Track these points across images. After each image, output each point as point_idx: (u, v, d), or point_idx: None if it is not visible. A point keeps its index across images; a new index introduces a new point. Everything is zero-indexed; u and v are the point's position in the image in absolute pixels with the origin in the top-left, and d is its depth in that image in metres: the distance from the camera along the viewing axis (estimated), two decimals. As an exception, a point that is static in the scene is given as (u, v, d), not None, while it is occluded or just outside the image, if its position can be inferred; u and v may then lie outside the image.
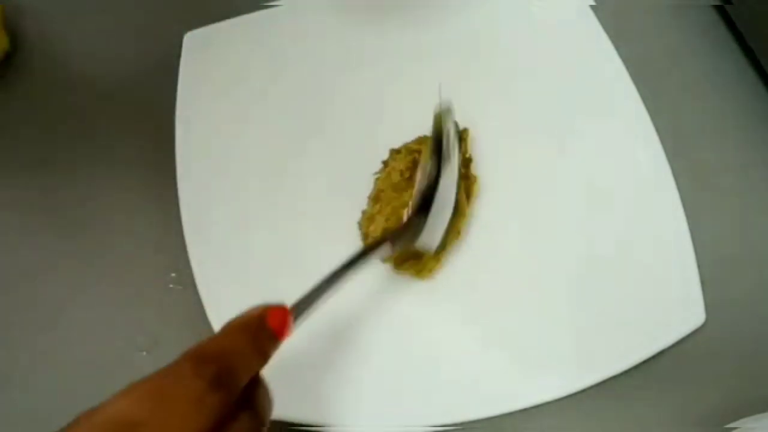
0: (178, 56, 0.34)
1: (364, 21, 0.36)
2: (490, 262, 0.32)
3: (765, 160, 0.35)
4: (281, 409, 0.28)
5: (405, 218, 0.32)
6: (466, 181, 0.33)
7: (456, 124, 0.34)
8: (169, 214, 0.32)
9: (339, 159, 0.34)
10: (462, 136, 0.34)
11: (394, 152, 0.34)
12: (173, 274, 0.32)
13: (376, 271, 0.32)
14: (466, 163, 0.34)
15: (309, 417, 0.28)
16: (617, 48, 0.34)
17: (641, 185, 0.32)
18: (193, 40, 0.34)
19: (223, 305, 0.30)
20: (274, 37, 0.35)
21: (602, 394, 0.29)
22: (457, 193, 0.32)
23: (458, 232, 0.32)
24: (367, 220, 0.32)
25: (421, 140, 0.34)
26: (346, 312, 0.31)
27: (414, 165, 0.33)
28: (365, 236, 0.32)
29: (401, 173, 0.33)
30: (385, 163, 0.34)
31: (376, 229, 0.32)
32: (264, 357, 0.21)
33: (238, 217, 0.32)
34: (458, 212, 0.32)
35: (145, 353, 0.31)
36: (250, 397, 0.21)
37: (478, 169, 0.34)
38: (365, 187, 0.34)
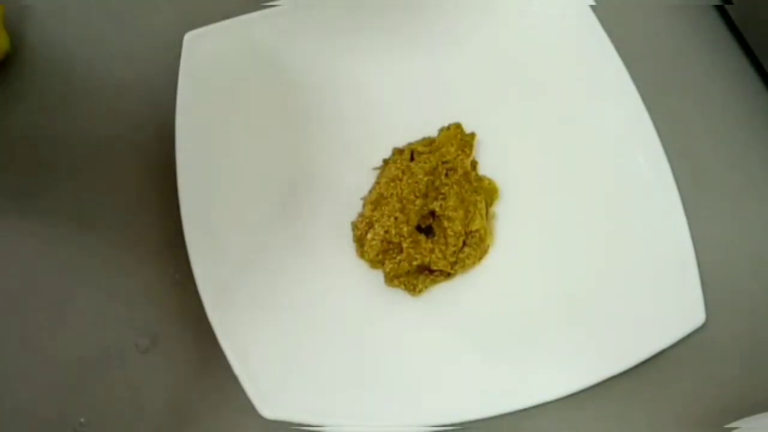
0: (178, 56, 0.34)
1: (365, 21, 0.36)
2: (488, 264, 0.32)
3: (765, 159, 0.35)
4: (281, 409, 0.28)
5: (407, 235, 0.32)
6: (477, 195, 0.33)
7: (462, 130, 0.34)
8: (170, 214, 0.32)
9: (340, 158, 0.34)
10: (469, 141, 0.34)
11: (398, 152, 0.34)
12: (173, 274, 0.32)
13: (375, 273, 0.32)
14: (472, 165, 0.34)
15: (309, 417, 0.28)
16: (617, 48, 0.34)
17: (641, 185, 0.32)
18: (193, 40, 0.34)
19: (223, 305, 0.30)
20: (274, 37, 0.35)
21: (602, 394, 0.29)
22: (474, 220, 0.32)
23: (480, 257, 0.32)
24: (363, 224, 0.32)
25: (426, 142, 0.34)
26: (346, 313, 0.31)
27: (432, 173, 0.33)
28: (358, 240, 0.32)
29: (408, 181, 0.33)
30: (386, 162, 0.34)
31: (374, 238, 0.32)
32: None
33: (238, 217, 0.32)
34: (478, 238, 0.32)
35: (145, 353, 0.31)
36: None
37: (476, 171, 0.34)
38: (365, 186, 0.34)
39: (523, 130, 0.35)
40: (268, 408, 0.28)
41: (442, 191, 0.32)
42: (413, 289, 0.31)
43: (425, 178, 0.32)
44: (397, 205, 0.32)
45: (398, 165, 0.33)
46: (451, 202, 0.32)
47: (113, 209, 0.34)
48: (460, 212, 0.32)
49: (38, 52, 0.37)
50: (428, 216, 0.33)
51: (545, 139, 0.34)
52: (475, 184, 0.33)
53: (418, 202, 0.32)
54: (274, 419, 0.28)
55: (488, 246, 0.32)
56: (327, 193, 0.34)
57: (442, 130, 0.35)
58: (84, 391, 0.30)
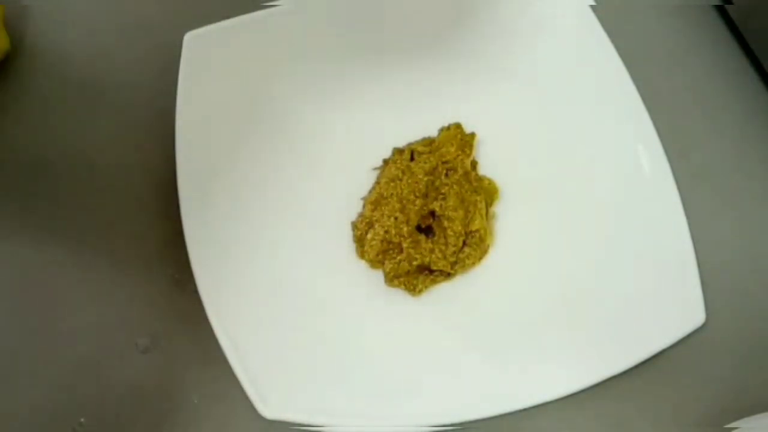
0: (178, 56, 0.34)
1: (365, 21, 0.36)
2: (488, 264, 0.32)
3: (765, 159, 0.35)
4: (281, 409, 0.28)
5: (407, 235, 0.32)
6: (477, 195, 0.33)
7: (462, 130, 0.34)
8: (170, 214, 0.32)
9: (340, 158, 0.34)
10: (469, 141, 0.34)
11: (398, 152, 0.34)
12: (173, 274, 0.32)
13: (375, 273, 0.32)
14: (472, 165, 0.34)
15: (309, 417, 0.28)
16: (617, 48, 0.34)
17: (641, 185, 0.32)
18: (193, 40, 0.34)
19: (223, 305, 0.30)
20: (274, 37, 0.35)
21: (602, 394, 0.29)
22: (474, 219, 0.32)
23: (480, 257, 0.32)
24: (363, 224, 0.32)
25: (426, 142, 0.34)
26: (346, 313, 0.31)
27: (432, 173, 0.33)
28: (358, 240, 0.32)
29: (408, 181, 0.33)
30: (386, 162, 0.34)
31: (374, 238, 0.32)
32: None
33: (238, 217, 0.32)
34: (478, 238, 0.32)
35: (145, 353, 0.31)
36: None
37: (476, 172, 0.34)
38: (365, 185, 0.34)
39: (523, 130, 0.35)
40: (268, 408, 0.28)
41: (442, 191, 0.32)
42: (413, 289, 0.31)
43: (425, 178, 0.32)
44: (397, 205, 0.32)
45: (398, 165, 0.33)
46: (451, 202, 0.32)
47: (113, 209, 0.34)
48: (460, 212, 0.32)
49: (38, 52, 0.37)
50: (428, 216, 0.33)
51: (545, 139, 0.34)
52: (475, 184, 0.33)
53: (418, 202, 0.32)
54: (274, 419, 0.28)
55: (488, 246, 0.32)
56: (327, 193, 0.34)
57: (442, 130, 0.35)
58: (84, 391, 0.30)
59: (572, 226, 0.32)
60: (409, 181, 0.32)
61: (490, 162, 0.35)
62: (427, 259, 0.31)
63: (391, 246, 0.32)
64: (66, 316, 0.32)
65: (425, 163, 0.33)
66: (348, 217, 0.33)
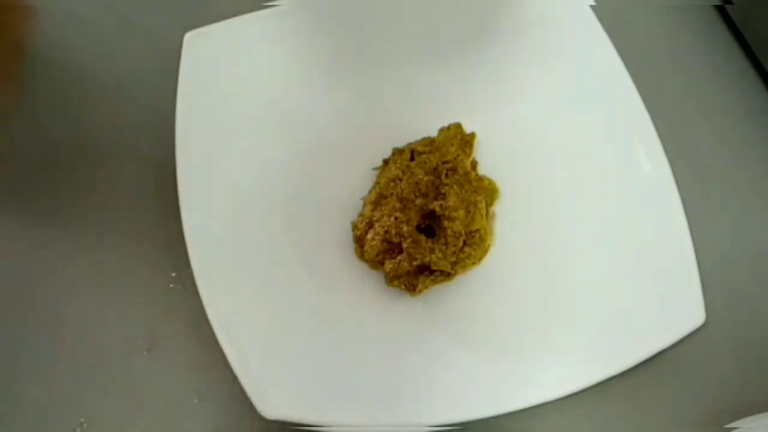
0: (178, 56, 0.34)
1: (365, 21, 0.36)
2: (488, 264, 0.32)
3: (765, 159, 0.35)
4: (281, 409, 0.28)
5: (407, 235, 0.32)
6: (477, 194, 0.33)
7: (462, 130, 0.34)
8: (170, 214, 0.32)
9: (340, 158, 0.34)
10: (469, 141, 0.34)
11: (398, 152, 0.34)
12: (173, 274, 0.32)
13: (375, 273, 0.32)
14: (472, 165, 0.34)
15: (309, 417, 0.28)
16: (617, 48, 0.34)
17: (641, 185, 0.32)
18: (193, 40, 0.34)
19: (223, 305, 0.30)
20: (274, 37, 0.35)
21: (602, 394, 0.29)
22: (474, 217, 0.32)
23: (480, 257, 0.32)
24: (363, 224, 0.32)
25: (426, 142, 0.34)
26: (346, 314, 0.31)
27: (432, 172, 0.33)
28: (358, 240, 0.32)
29: (408, 181, 0.33)
30: (386, 162, 0.34)
31: (374, 238, 0.32)
32: None
33: (238, 217, 0.32)
34: (478, 238, 0.32)
35: (145, 353, 0.31)
36: None
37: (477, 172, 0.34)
38: (365, 186, 0.34)
39: (523, 130, 0.35)
40: (268, 408, 0.28)
41: (443, 191, 0.32)
42: (413, 290, 0.31)
43: (425, 178, 0.32)
44: (398, 205, 0.32)
45: (398, 165, 0.33)
46: (452, 202, 0.32)
47: (113, 209, 0.34)
48: (461, 212, 0.32)
49: (38, 52, 0.37)
50: (428, 216, 0.33)
51: (545, 139, 0.34)
52: (475, 184, 0.33)
53: (418, 202, 0.32)
54: (274, 419, 0.28)
55: (488, 246, 0.32)
56: (327, 193, 0.34)
57: (442, 130, 0.35)
58: (84, 391, 0.30)
59: (572, 226, 0.32)
60: (410, 181, 0.32)
61: (490, 162, 0.35)
62: (427, 259, 0.31)
63: (391, 246, 0.32)
64: (66, 316, 0.32)
65: (425, 163, 0.33)
66: (348, 217, 0.33)
